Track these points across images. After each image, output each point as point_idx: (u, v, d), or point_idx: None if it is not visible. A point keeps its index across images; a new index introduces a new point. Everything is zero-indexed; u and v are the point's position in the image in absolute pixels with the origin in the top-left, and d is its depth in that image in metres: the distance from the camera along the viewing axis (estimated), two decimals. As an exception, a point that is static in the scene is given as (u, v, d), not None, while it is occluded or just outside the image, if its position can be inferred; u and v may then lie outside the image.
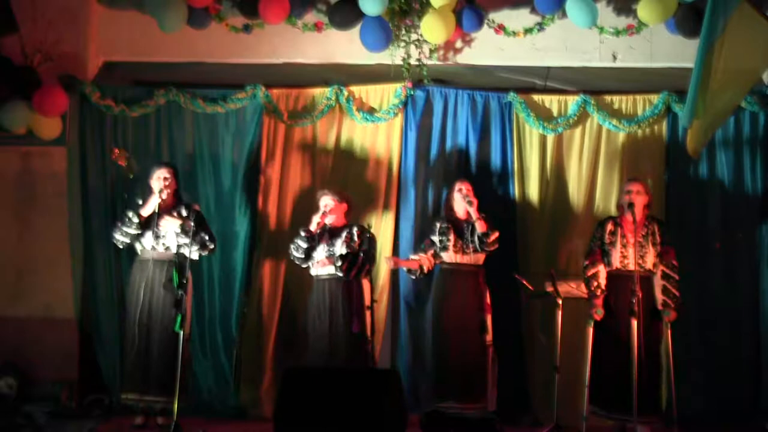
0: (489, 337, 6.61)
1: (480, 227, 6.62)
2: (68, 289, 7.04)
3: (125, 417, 6.64)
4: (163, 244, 6.58)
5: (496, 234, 6.65)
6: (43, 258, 7.05)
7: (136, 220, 6.52)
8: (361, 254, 6.59)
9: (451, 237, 6.70)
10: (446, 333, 6.65)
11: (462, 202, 6.73)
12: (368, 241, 6.67)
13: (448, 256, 6.71)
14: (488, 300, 6.67)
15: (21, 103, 6.71)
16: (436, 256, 6.75)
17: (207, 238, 6.57)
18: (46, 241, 7.06)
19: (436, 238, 6.76)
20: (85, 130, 7.12)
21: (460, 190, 6.76)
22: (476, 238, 6.63)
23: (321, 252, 6.66)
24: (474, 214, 6.64)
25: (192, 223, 6.42)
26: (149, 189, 6.64)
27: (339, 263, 6.55)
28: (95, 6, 7.20)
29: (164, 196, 6.51)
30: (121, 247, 6.66)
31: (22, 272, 7.07)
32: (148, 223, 6.52)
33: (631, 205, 6.37)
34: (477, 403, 6.53)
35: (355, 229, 6.70)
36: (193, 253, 6.49)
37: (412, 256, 6.84)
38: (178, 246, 6.57)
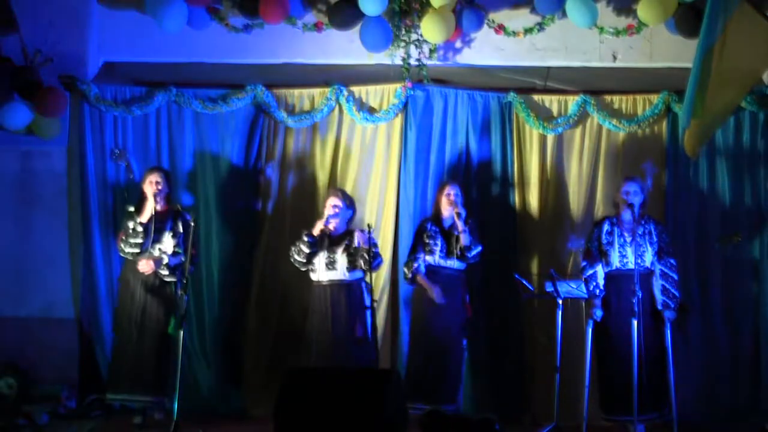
0: (464, 339, 6.64)
1: (463, 240, 6.63)
2: (68, 289, 7.03)
3: (125, 417, 6.65)
4: (159, 248, 6.58)
5: (479, 249, 6.66)
6: (43, 258, 7.05)
7: (140, 228, 6.53)
8: (360, 254, 6.60)
9: (438, 241, 6.70)
10: (425, 333, 6.65)
11: (449, 208, 6.72)
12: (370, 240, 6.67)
13: (433, 259, 6.72)
14: (468, 300, 6.70)
15: (21, 103, 6.71)
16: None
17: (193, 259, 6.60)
18: (46, 241, 7.06)
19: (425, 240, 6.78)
20: (85, 130, 7.11)
21: (448, 195, 6.75)
22: (459, 249, 6.64)
23: (321, 258, 6.65)
24: (459, 227, 6.64)
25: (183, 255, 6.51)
26: (142, 192, 6.66)
27: (362, 262, 6.53)
28: (95, 6, 7.20)
29: (159, 200, 6.54)
30: (130, 258, 6.61)
31: (22, 272, 7.07)
32: (148, 227, 6.55)
33: (630, 206, 6.37)
34: (449, 404, 6.53)
35: (356, 235, 6.62)
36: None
37: (414, 269, 6.78)
38: (175, 252, 6.58)
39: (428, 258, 6.74)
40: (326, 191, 6.95)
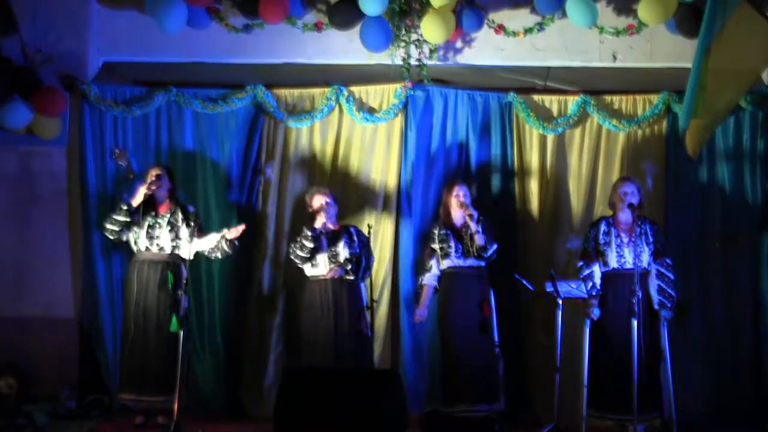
0: (494, 336, 6.61)
1: (478, 240, 6.61)
2: (68, 289, 7.04)
3: (125, 417, 6.65)
4: (157, 245, 6.61)
5: (495, 247, 6.65)
6: (43, 258, 7.05)
7: (124, 207, 6.57)
8: (363, 257, 6.66)
9: (452, 243, 6.69)
10: (453, 335, 6.63)
11: (459, 210, 6.71)
12: (366, 242, 6.71)
13: (450, 261, 6.71)
14: (492, 300, 6.67)
15: (21, 103, 6.71)
16: (439, 259, 6.74)
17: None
18: (46, 241, 7.06)
19: (436, 246, 6.75)
20: (85, 130, 7.11)
21: (457, 196, 6.74)
22: (474, 249, 6.63)
23: (323, 255, 6.65)
24: (473, 227, 6.62)
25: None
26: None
27: (349, 266, 6.58)
28: (95, 6, 7.20)
29: (153, 188, 6.56)
30: (111, 237, 6.66)
31: (22, 272, 7.07)
32: (142, 216, 6.57)
33: (630, 205, 6.37)
34: (488, 403, 6.52)
35: (353, 231, 6.74)
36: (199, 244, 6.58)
37: (423, 280, 6.78)
38: (173, 247, 6.60)
39: (445, 261, 6.72)
40: (309, 191, 6.89)
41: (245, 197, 7.20)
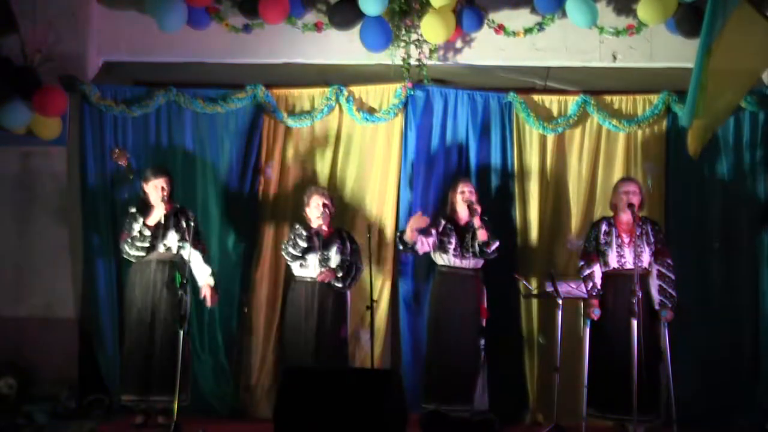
0: (482, 340, 6.62)
1: (481, 236, 6.61)
2: (68, 289, 7.04)
3: (125, 417, 6.65)
4: (164, 244, 6.59)
5: (497, 244, 6.66)
6: (43, 258, 7.05)
7: (147, 233, 6.48)
8: (353, 264, 6.70)
9: (453, 240, 6.69)
10: (443, 336, 6.64)
11: (464, 205, 6.72)
12: (356, 249, 6.74)
13: (448, 259, 6.71)
14: (485, 303, 6.66)
15: (21, 103, 6.71)
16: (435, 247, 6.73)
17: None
18: (46, 241, 7.06)
19: (437, 233, 6.74)
20: (85, 130, 7.11)
21: (462, 192, 6.74)
22: (477, 245, 6.63)
23: (314, 257, 6.66)
24: (476, 223, 6.62)
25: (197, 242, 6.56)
26: (144, 192, 6.61)
27: (340, 273, 6.59)
28: (95, 6, 7.20)
29: (168, 204, 6.52)
30: (133, 260, 6.59)
31: (22, 272, 7.06)
32: (156, 233, 6.52)
33: (631, 206, 6.37)
34: (466, 405, 6.53)
35: (346, 237, 6.77)
36: (193, 257, 6.52)
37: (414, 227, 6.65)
38: (179, 247, 6.59)
39: (443, 256, 6.72)
40: (308, 190, 6.87)
41: (245, 197, 7.20)
